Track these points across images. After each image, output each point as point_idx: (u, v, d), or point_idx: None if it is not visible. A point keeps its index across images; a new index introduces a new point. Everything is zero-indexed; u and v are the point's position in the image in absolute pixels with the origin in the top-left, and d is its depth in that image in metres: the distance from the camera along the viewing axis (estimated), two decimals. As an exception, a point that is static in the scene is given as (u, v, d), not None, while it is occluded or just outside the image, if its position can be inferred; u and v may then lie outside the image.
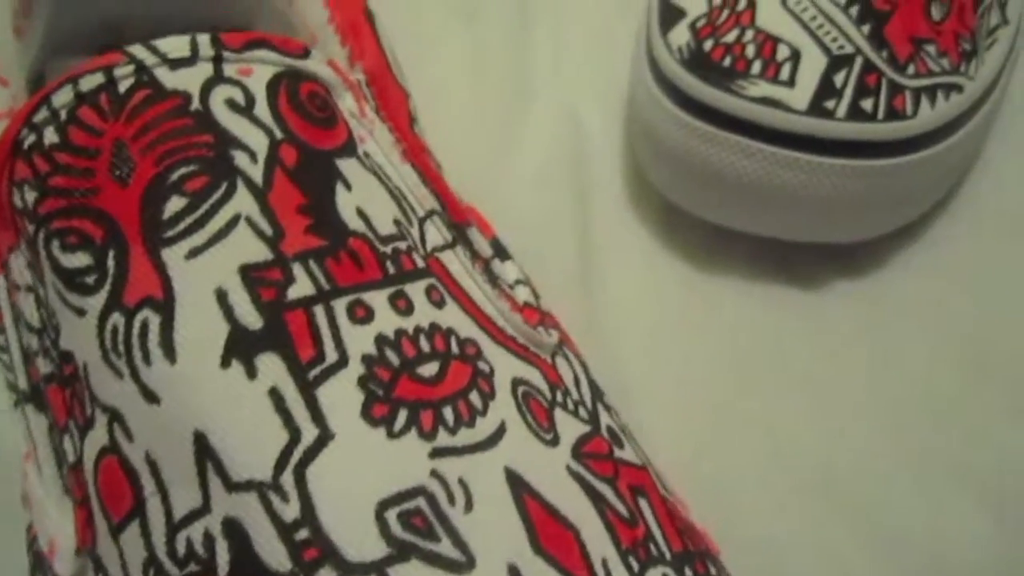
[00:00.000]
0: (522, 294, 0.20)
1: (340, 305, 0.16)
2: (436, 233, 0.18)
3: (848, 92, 0.24)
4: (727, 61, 0.24)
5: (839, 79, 0.24)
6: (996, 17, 0.28)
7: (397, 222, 0.17)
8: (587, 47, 0.32)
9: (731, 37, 0.25)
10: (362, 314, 0.16)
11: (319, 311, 0.15)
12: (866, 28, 0.24)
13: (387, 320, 0.16)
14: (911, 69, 0.24)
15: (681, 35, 0.26)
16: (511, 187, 0.29)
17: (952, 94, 0.25)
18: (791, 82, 0.24)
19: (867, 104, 0.24)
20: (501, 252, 0.20)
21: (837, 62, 0.24)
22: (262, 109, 0.16)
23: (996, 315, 0.26)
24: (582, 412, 0.18)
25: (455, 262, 0.18)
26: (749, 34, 0.24)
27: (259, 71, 0.17)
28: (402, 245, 0.17)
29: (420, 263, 0.17)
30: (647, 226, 0.28)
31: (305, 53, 0.17)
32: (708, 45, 0.25)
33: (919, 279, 0.27)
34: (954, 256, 0.27)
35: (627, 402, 0.24)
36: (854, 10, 0.25)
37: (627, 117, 0.30)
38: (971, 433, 0.24)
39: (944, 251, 0.27)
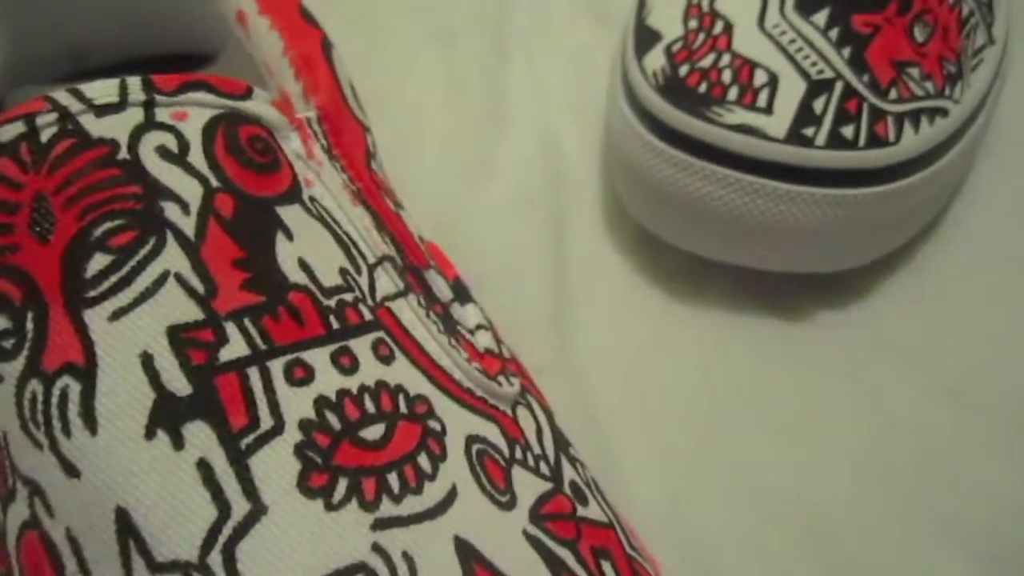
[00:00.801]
0: (483, 340, 0.18)
1: (277, 366, 0.14)
2: (388, 281, 0.17)
3: (828, 119, 0.22)
4: (703, 87, 0.23)
5: (819, 105, 0.23)
6: (982, 37, 0.27)
7: (344, 271, 0.16)
8: (565, 69, 0.31)
9: (707, 62, 0.23)
10: (301, 375, 0.15)
11: (254, 374, 0.14)
12: (846, 52, 0.23)
13: (329, 380, 0.15)
14: (893, 94, 0.23)
15: (656, 60, 0.24)
16: (485, 214, 0.28)
17: (937, 118, 0.24)
18: (769, 109, 0.22)
19: (848, 131, 0.22)
20: (462, 295, 0.19)
21: (816, 87, 0.23)
22: (197, 156, 0.15)
23: (988, 350, 0.25)
24: (543, 468, 0.17)
25: (407, 311, 0.17)
26: (726, 59, 0.23)
27: (195, 115, 0.15)
28: (348, 297, 0.16)
29: (368, 315, 0.16)
30: (625, 255, 0.27)
31: (247, 93, 0.16)
32: (684, 70, 0.24)
33: (907, 310, 0.26)
34: (943, 286, 0.26)
35: (601, 443, 0.23)
36: (834, 33, 0.23)
37: (604, 142, 0.29)
38: (960, 478, 0.23)
39: (932, 280, 0.26)
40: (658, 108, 0.24)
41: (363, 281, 0.16)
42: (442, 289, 0.18)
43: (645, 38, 0.25)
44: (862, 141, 0.22)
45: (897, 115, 0.23)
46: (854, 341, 0.25)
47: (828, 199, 0.22)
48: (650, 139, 0.24)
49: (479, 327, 0.18)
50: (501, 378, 0.18)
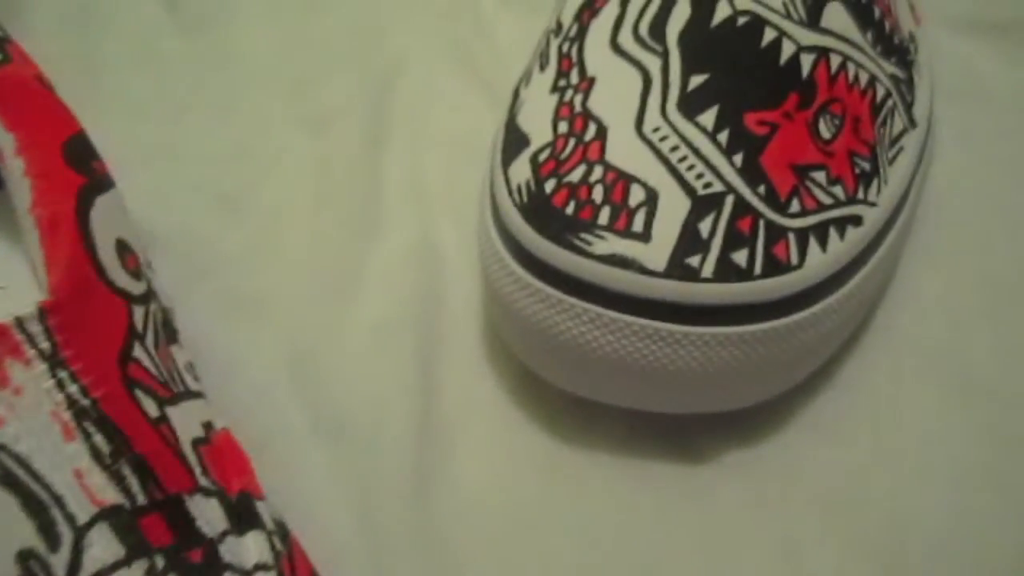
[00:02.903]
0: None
1: None
2: (106, 546, 0.12)
3: (716, 243, 0.18)
4: (570, 208, 0.19)
5: (705, 227, 0.18)
6: (900, 122, 0.22)
7: (27, 556, 0.11)
8: (449, 162, 0.27)
9: (576, 175, 0.19)
10: None
11: None
12: (738, 158, 0.19)
13: None
14: (795, 205, 0.19)
15: (522, 171, 0.20)
16: (348, 341, 0.23)
17: (849, 229, 0.20)
18: (646, 234, 0.18)
19: (740, 257, 0.18)
20: (245, 518, 0.15)
21: (702, 205, 0.19)
22: None
23: (921, 492, 0.21)
24: None
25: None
26: (597, 171, 0.19)
27: None
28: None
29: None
30: (504, 391, 0.22)
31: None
32: (550, 186, 0.19)
33: (828, 443, 0.21)
34: (869, 407, 0.22)
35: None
36: (723, 136, 0.19)
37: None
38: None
39: (857, 400, 0.22)
40: (521, 232, 0.19)
41: (61, 559, 0.12)
42: (212, 519, 0.14)
43: (514, 142, 0.21)
44: (758, 268, 0.18)
45: (800, 231, 0.19)
46: (768, 484, 0.21)
47: (720, 339, 0.18)
48: (515, 268, 0.20)
49: (259, 568, 0.14)
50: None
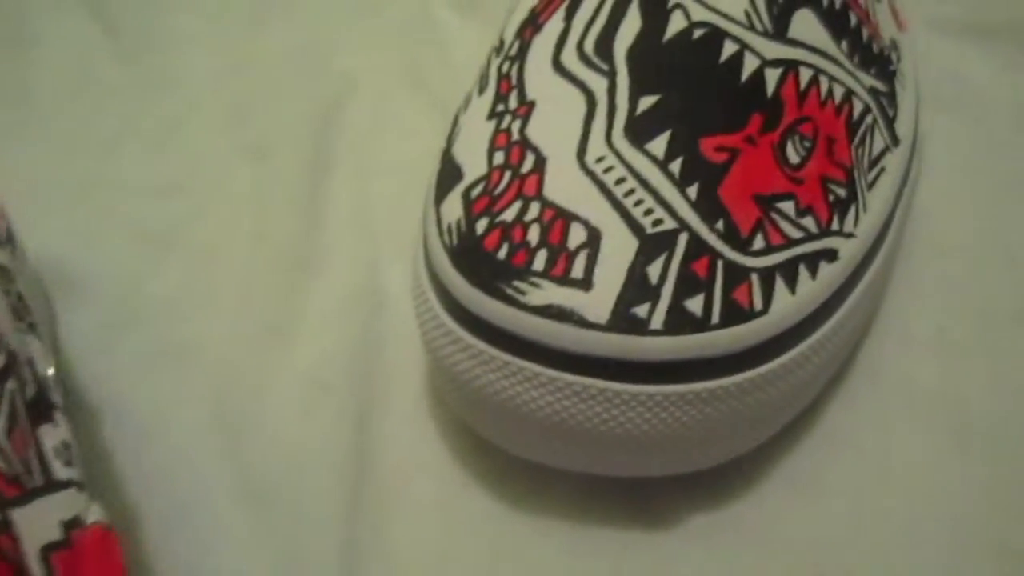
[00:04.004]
0: None
1: None
2: None
3: (667, 290, 0.16)
4: (502, 252, 0.16)
5: (655, 271, 0.16)
6: (881, 140, 0.20)
7: None
8: (398, 192, 0.24)
9: (511, 213, 0.17)
10: None
11: None
12: (693, 190, 0.17)
13: None
14: (759, 242, 0.17)
15: (453, 208, 0.18)
16: (277, 392, 0.21)
17: (822, 265, 0.17)
18: (587, 281, 0.16)
19: (695, 304, 0.16)
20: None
21: (652, 245, 0.16)
22: None
23: (912, 556, 0.18)
24: None
25: None
26: (534, 209, 0.17)
27: None
28: None
29: None
30: (447, 450, 0.20)
31: None
32: (481, 226, 0.17)
33: (808, 500, 0.19)
34: (854, 458, 0.19)
35: None
36: (676, 165, 0.17)
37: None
38: None
39: (840, 451, 0.19)
40: (450, 280, 0.17)
41: None
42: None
43: (448, 175, 0.19)
44: (715, 316, 0.16)
45: (765, 272, 0.16)
46: (741, 550, 0.18)
47: (673, 398, 0.16)
48: (445, 320, 0.17)
49: None
50: None
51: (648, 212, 0.16)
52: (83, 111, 0.28)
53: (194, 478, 0.20)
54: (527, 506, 0.19)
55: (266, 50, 0.29)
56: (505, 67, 0.19)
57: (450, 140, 0.20)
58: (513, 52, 0.19)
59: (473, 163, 0.18)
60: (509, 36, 0.20)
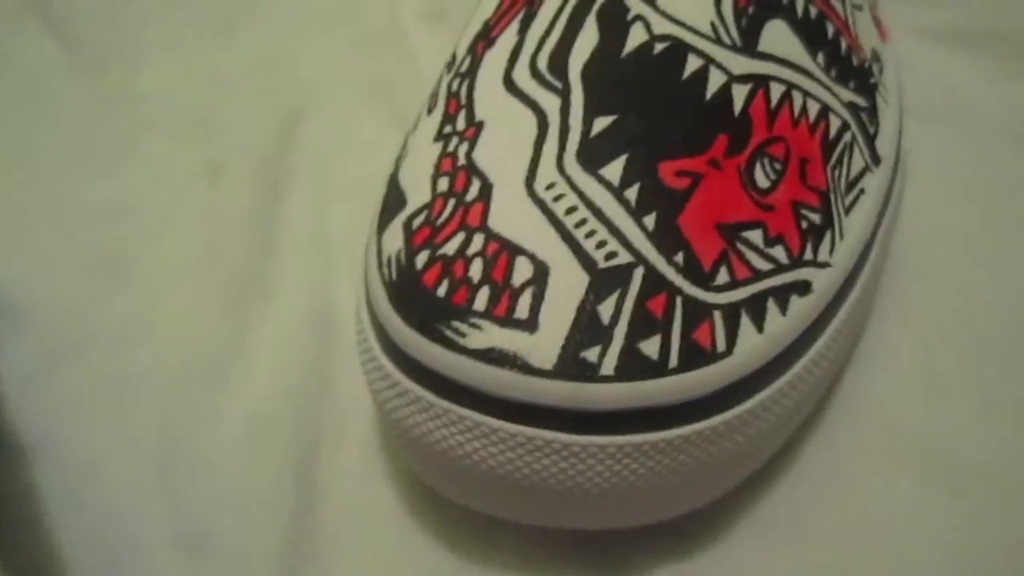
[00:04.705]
0: None
1: None
2: None
3: (620, 331, 0.14)
4: (442, 289, 0.15)
5: (607, 310, 0.14)
6: (861, 158, 0.18)
7: None
8: (358, 213, 0.22)
9: (452, 246, 0.15)
10: None
11: None
12: (650, 220, 0.15)
13: None
14: (722, 276, 0.15)
15: (394, 238, 0.16)
16: (220, 430, 0.19)
17: (793, 300, 0.16)
18: (532, 322, 0.14)
19: (651, 346, 0.14)
20: None
21: (604, 281, 0.14)
22: None
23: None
24: None
25: None
26: (477, 241, 0.15)
27: None
28: None
29: None
30: (397, 497, 0.18)
31: None
32: (421, 260, 0.15)
33: (784, 547, 0.17)
34: (834, 500, 0.18)
35: None
36: (632, 192, 0.15)
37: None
38: None
39: (819, 493, 0.18)
40: (387, 319, 0.15)
41: None
42: None
43: (392, 201, 0.17)
44: (673, 359, 0.14)
45: (729, 309, 0.15)
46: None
47: (628, 450, 0.14)
48: (383, 362, 0.15)
49: None
50: None
51: (601, 244, 0.15)
52: (36, 129, 0.26)
53: (132, 522, 0.18)
54: (478, 556, 0.17)
55: (229, 63, 0.28)
56: (455, 85, 0.18)
57: (397, 163, 0.18)
58: (464, 68, 0.18)
59: (417, 189, 0.17)
60: (461, 50, 0.19)
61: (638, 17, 0.17)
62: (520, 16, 0.18)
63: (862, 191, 0.18)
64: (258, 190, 0.24)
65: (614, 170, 0.15)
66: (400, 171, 0.18)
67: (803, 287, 0.16)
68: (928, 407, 0.19)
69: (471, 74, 0.18)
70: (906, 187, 0.21)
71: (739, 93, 0.17)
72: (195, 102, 0.27)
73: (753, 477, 0.17)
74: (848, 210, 0.17)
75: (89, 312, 0.22)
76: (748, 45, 0.17)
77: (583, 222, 0.15)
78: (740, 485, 0.17)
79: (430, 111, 0.18)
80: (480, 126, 0.17)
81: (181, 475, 0.19)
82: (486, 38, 0.18)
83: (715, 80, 0.16)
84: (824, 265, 0.16)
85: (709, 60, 0.17)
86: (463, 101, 0.17)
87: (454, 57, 0.19)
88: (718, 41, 0.17)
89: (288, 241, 0.23)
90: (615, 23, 0.17)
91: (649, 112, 0.16)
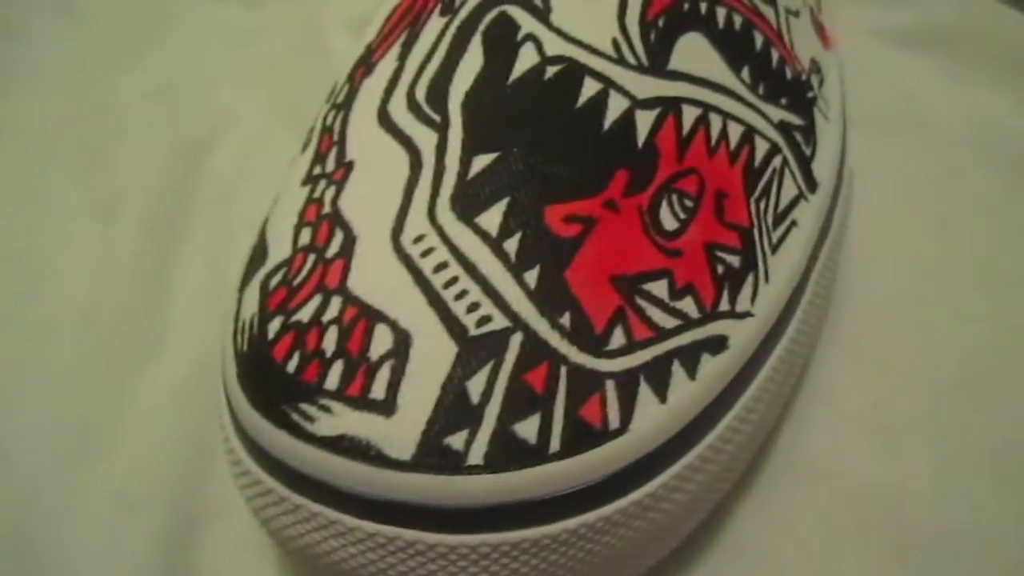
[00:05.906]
0: None
1: None
2: None
3: (492, 411, 0.12)
4: (292, 363, 0.13)
5: (476, 386, 0.12)
6: (793, 186, 0.16)
7: None
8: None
9: (307, 312, 0.13)
10: None
11: None
12: (532, 275, 0.13)
13: None
14: (617, 339, 0.13)
15: (251, 300, 0.14)
16: (84, 512, 0.17)
17: (704, 360, 0.14)
18: (389, 403, 0.12)
19: (527, 428, 0.12)
20: None
21: (474, 351, 0.12)
22: None
23: None
24: None
25: None
26: (335, 305, 0.13)
27: None
28: None
29: None
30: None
31: None
32: (273, 328, 0.13)
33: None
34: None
35: None
36: (512, 244, 0.13)
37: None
38: None
39: (748, 568, 0.16)
40: (234, 397, 0.13)
41: None
42: None
43: (257, 253, 0.15)
44: (555, 443, 0.12)
45: (624, 377, 0.13)
46: None
47: (504, 548, 0.12)
48: (234, 444, 0.14)
49: None
50: None
51: (472, 308, 0.13)
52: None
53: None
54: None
55: (131, 89, 0.26)
56: (330, 118, 0.16)
57: (271, 209, 0.16)
58: (340, 99, 0.16)
59: (279, 241, 0.15)
60: (341, 78, 0.17)
61: (529, 37, 0.15)
62: (402, 39, 0.16)
63: (794, 223, 0.16)
64: (153, 231, 0.22)
65: (492, 218, 0.13)
66: (269, 218, 0.16)
67: (717, 344, 0.14)
68: (876, 462, 0.17)
69: (346, 106, 0.16)
70: (854, 211, 0.19)
71: (644, 120, 0.15)
72: (93, 134, 0.25)
73: (675, 552, 0.15)
74: (776, 248, 0.15)
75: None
76: (657, 64, 0.15)
77: (453, 280, 0.13)
78: (657, 564, 0.15)
79: (304, 148, 0.16)
80: (349, 167, 0.15)
81: (40, 559, 0.17)
82: (366, 64, 0.16)
83: (615, 106, 0.14)
84: (744, 316, 0.14)
85: (609, 83, 0.15)
86: (336, 138, 0.15)
87: (334, 87, 0.17)
88: (621, 61, 0.15)
89: (179, 290, 0.21)
90: (502, 45, 0.15)
91: (536, 147, 0.14)
